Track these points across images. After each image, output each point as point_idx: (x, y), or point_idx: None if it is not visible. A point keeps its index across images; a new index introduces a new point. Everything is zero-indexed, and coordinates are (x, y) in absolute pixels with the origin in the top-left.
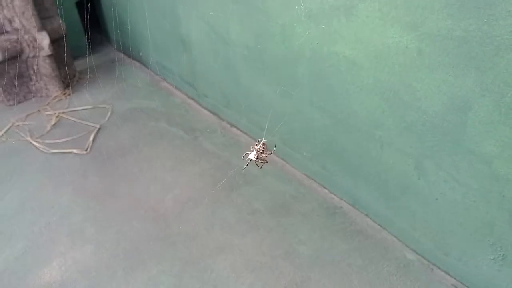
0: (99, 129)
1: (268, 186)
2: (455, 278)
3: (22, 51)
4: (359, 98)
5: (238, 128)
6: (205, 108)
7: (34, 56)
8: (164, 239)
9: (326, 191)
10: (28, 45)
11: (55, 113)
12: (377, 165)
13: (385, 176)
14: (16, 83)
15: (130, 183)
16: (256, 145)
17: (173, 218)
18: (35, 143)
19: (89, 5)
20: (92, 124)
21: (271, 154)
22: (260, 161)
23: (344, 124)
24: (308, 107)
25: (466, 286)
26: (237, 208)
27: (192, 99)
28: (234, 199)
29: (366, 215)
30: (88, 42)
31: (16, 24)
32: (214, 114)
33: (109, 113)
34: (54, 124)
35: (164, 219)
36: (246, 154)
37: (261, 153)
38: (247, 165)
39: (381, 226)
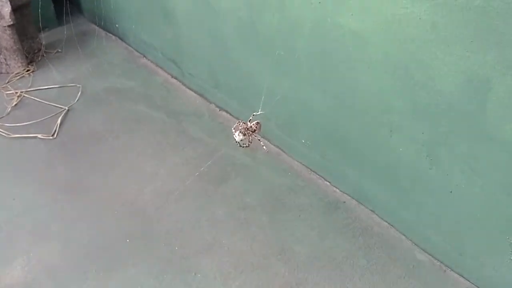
0: (68, 111)
1: (261, 178)
2: (469, 281)
3: None
4: (366, 77)
5: (228, 112)
6: (191, 89)
7: None
8: (143, 237)
9: (327, 183)
10: None
11: (16, 93)
12: (385, 154)
13: (394, 166)
14: None
15: (104, 173)
16: (244, 122)
17: (153, 213)
18: None
19: None
20: (59, 106)
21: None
22: (247, 142)
23: (349, 107)
24: (308, 88)
25: None
26: (226, 202)
27: (176, 78)
28: (223, 192)
29: (372, 210)
30: (57, 12)
31: None
32: (201, 95)
33: (79, 93)
34: (16, 105)
35: (143, 214)
36: (235, 127)
37: (250, 132)
38: (244, 145)
39: (388, 223)
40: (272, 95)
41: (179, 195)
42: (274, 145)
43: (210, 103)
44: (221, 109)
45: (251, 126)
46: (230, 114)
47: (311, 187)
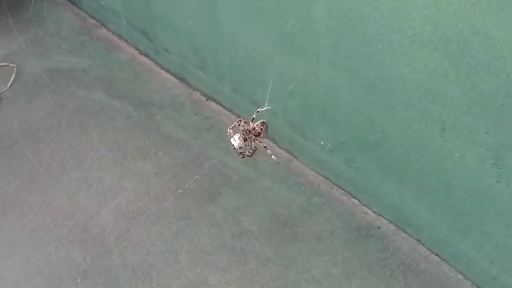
0: None
1: (264, 194)
2: None
3: None
4: (409, 55)
5: (218, 102)
6: (167, 71)
7: None
8: (100, 275)
9: (355, 201)
10: None
11: None
12: (436, 161)
13: (448, 178)
14: None
15: (46, 185)
16: (245, 122)
17: (114, 242)
18: None
19: None
20: None
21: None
22: (247, 151)
23: (385, 96)
24: (330, 70)
25: None
26: (216, 228)
27: (147, 55)
28: (211, 214)
29: (417, 239)
30: None
31: None
32: (181, 79)
33: (12, 77)
34: None
35: (100, 244)
36: (233, 128)
37: (253, 135)
38: (244, 154)
39: (440, 257)
40: (281, 82)
41: (150, 218)
42: (283, 149)
43: (194, 90)
44: (208, 98)
45: (254, 128)
46: (222, 106)
47: (333, 207)
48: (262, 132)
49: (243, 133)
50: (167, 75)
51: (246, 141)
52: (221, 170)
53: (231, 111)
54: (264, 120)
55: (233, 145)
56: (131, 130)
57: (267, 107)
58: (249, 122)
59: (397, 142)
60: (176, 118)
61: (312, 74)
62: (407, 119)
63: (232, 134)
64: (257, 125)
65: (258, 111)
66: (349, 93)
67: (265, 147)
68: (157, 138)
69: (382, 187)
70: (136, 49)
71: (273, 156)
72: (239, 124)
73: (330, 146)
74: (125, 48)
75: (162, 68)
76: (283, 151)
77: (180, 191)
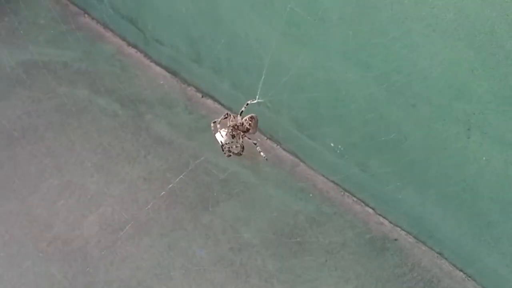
0: None
1: (267, 202)
2: None
3: None
4: (430, 46)
5: (215, 99)
6: (158, 64)
7: None
8: None
9: (370, 210)
10: None
11: None
12: (460, 166)
13: (474, 184)
14: None
15: (22, 193)
16: (234, 116)
17: (99, 255)
18: None
19: None
20: None
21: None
22: (234, 146)
23: (403, 93)
24: (340, 63)
25: None
26: (213, 240)
27: (135, 47)
28: (207, 224)
29: (439, 253)
30: None
31: None
32: (174, 74)
33: None
34: None
35: (82, 258)
36: (215, 124)
37: (241, 131)
38: (231, 151)
39: (465, 273)
40: (285, 75)
41: (139, 229)
42: (288, 151)
43: (188, 85)
44: (204, 95)
45: (242, 123)
46: (219, 103)
47: (344, 216)
48: (250, 127)
49: (231, 129)
50: (158, 68)
51: (234, 138)
52: (217, 175)
53: (230, 109)
54: (253, 115)
55: (220, 141)
56: (118, 131)
57: (258, 100)
58: (237, 116)
59: (416, 144)
60: (168, 117)
61: (321, 67)
62: (428, 118)
63: (218, 129)
64: (246, 120)
65: (248, 104)
66: (362, 89)
67: (255, 143)
68: (146, 140)
69: (400, 194)
70: (123, 39)
71: (262, 153)
72: (226, 118)
73: (341, 148)
74: (110, 38)
75: (153, 61)
76: (288, 154)
77: (172, 198)
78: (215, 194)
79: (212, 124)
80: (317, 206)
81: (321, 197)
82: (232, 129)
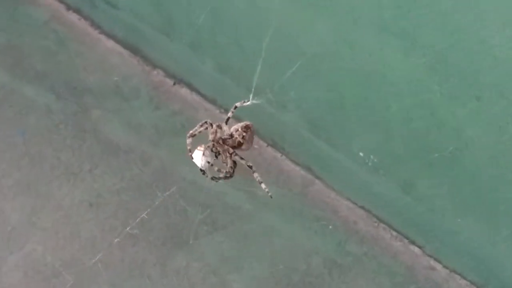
0: None
1: (267, 237)
2: None
3: None
4: (503, 13)
5: (192, 87)
6: (111, 36)
7: None
8: None
9: (416, 250)
10: None
11: None
12: None
13: None
14: None
15: None
16: (218, 126)
17: None
18: None
19: None
20: None
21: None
22: (222, 170)
23: (464, 81)
24: (372, 36)
25: None
26: None
27: (77, 12)
28: (181, 269)
29: None
30: None
31: None
32: (133, 51)
33: None
34: None
35: None
36: (190, 137)
37: (230, 147)
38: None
39: None
40: (292, 54)
41: (80, 276)
42: (298, 164)
43: (154, 67)
44: (178, 81)
45: (231, 135)
46: (199, 93)
47: (378, 259)
48: (244, 141)
49: (213, 144)
50: (111, 43)
51: (220, 156)
52: (196, 199)
53: (214, 102)
54: (248, 123)
55: (200, 166)
56: (52, 133)
57: (253, 101)
58: (222, 124)
59: (484, 155)
60: (125, 114)
61: (344, 41)
62: (501, 117)
63: (191, 148)
64: (237, 130)
65: (236, 107)
66: (405, 73)
67: (250, 167)
68: (93, 147)
69: (459, 228)
70: (61, 1)
71: (263, 185)
72: (206, 129)
73: (375, 161)
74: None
75: (103, 32)
76: (297, 167)
77: (130, 232)
78: (192, 225)
79: (187, 140)
80: (339, 243)
81: (345, 230)
82: (215, 145)
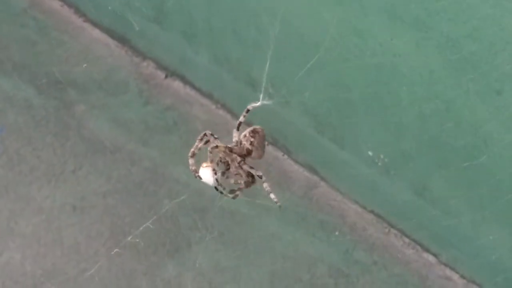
0: None
1: (267, 244)
2: None
3: None
4: None
5: (186, 81)
6: (96, 25)
7: None
8: None
9: (430, 258)
10: None
11: None
12: None
13: None
14: None
15: None
16: (216, 138)
17: None
18: None
19: None
20: None
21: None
22: (236, 184)
23: (484, 73)
24: (382, 24)
25: None
26: None
27: None
28: (172, 279)
29: None
30: None
31: None
32: (121, 40)
33: None
34: None
35: None
36: (192, 156)
37: (239, 156)
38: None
39: None
40: (296, 45)
41: (62, 285)
42: (301, 164)
43: (144, 58)
44: (170, 73)
45: (240, 142)
46: (193, 87)
47: (389, 268)
48: (253, 148)
49: (220, 158)
50: (97, 32)
51: (227, 170)
52: (190, 202)
53: (209, 97)
54: (256, 127)
55: (213, 183)
56: (31, 130)
57: (264, 102)
58: (233, 133)
59: (505, 153)
60: (112, 110)
61: (352, 30)
62: None
63: (195, 168)
64: (245, 136)
65: (249, 110)
66: (417, 64)
67: (260, 176)
68: (77, 146)
69: (478, 234)
70: None
71: (272, 196)
72: (206, 143)
73: (385, 160)
74: None
75: (88, 19)
76: (301, 168)
77: (117, 238)
78: (184, 232)
79: (189, 160)
80: (347, 251)
81: (353, 237)
82: (223, 156)
